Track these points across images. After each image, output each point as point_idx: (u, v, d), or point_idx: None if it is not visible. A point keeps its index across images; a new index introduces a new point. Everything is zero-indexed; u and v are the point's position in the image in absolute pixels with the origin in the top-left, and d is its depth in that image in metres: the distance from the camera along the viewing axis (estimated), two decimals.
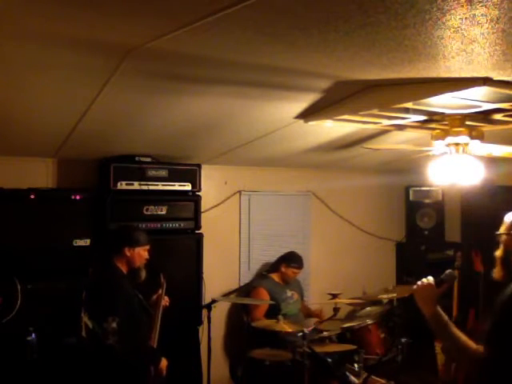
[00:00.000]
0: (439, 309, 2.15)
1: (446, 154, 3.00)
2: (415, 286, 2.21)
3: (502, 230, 2.15)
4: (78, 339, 3.10)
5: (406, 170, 5.38)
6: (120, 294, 2.98)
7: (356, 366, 3.81)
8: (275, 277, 4.61)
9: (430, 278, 2.21)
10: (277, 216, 5.07)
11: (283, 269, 4.60)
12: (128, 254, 3.12)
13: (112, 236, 3.33)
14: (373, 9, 1.58)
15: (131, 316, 2.95)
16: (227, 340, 4.78)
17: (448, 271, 2.27)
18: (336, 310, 4.15)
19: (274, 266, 4.72)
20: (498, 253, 2.13)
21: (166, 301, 3.40)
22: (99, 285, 3.07)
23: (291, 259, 4.64)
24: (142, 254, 3.18)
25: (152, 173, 3.91)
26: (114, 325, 2.78)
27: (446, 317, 2.14)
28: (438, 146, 3.03)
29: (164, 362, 3.11)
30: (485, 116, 2.93)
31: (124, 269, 3.14)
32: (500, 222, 2.19)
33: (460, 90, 2.32)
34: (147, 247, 3.22)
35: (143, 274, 3.21)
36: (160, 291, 3.38)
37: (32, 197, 3.47)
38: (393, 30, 1.75)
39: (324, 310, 4.66)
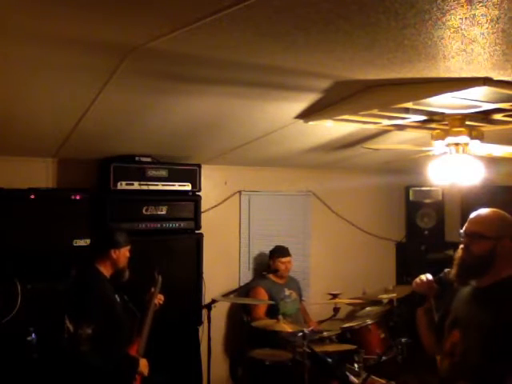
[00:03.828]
0: (432, 303, 2.22)
1: (445, 154, 3.00)
2: (414, 284, 2.26)
3: (483, 231, 2.07)
4: (60, 341, 3.04)
5: (406, 170, 5.38)
6: (98, 299, 2.93)
7: (356, 365, 3.81)
8: (273, 277, 4.61)
9: (429, 276, 2.25)
10: (277, 216, 5.07)
11: (272, 264, 4.63)
12: (114, 256, 3.10)
13: (96, 239, 3.29)
14: (373, 9, 1.58)
15: (109, 322, 2.90)
16: (227, 340, 4.78)
17: (446, 270, 2.30)
18: (336, 309, 4.15)
19: (269, 267, 4.72)
20: (468, 253, 2.08)
21: (159, 299, 3.36)
22: (78, 289, 3.03)
23: (274, 251, 4.67)
24: (126, 254, 3.17)
25: (152, 173, 3.91)
26: (89, 331, 2.75)
27: (435, 315, 2.21)
28: (438, 146, 3.03)
29: (143, 363, 3.05)
30: (485, 116, 2.93)
31: (107, 271, 3.10)
32: None
33: (460, 89, 2.32)
34: (129, 247, 3.21)
35: (127, 274, 3.19)
36: (152, 289, 3.34)
37: (32, 197, 3.47)
38: (393, 30, 1.75)
39: (324, 310, 4.65)
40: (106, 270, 3.10)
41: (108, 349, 2.88)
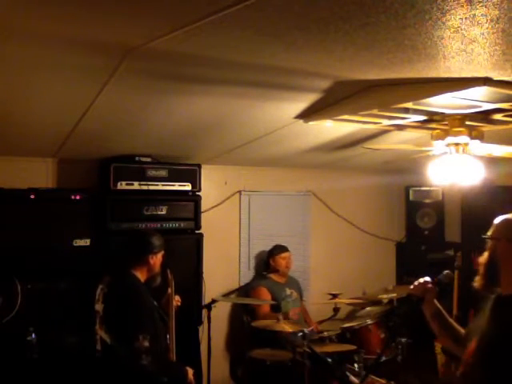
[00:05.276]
0: (439, 306, 2.15)
1: (445, 154, 3.00)
2: (412, 286, 2.22)
3: (490, 233, 1.99)
4: (91, 352, 2.94)
5: (405, 170, 5.38)
6: (145, 308, 2.84)
7: (356, 365, 3.81)
8: (273, 276, 4.61)
9: (426, 278, 2.21)
10: (277, 216, 5.07)
11: (273, 263, 4.64)
12: (151, 261, 3.03)
13: (133, 244, 3.15)
14: (373, 9, 1.58)
15: (156, 331, 2.81)
16: (227, 340, 4.78)
17: (445, 272, 2.27)
18: (336, 309, 4.15)
19: (268, 267, 4.72)
20: (482, 259, 1.98)
21: (177, 300, 3.30)
22: (122, 299, 2.88)
23: (273, 249, 4.69)
24: (160, 259, 3.12)
25: (152, 173, 3.91)
26: (147, 343, 2.64)
27: (446, 314, 2.14)
28: (438, 146, 3.03)
29: (190, 372, 3.00)
30: (485, 116, 2.93)
31: (143, 277, 3.02)
32: None
33: (460, 89, 2.32)
34: (163, 251, 3.15)
35: (159, 279, 3.12)
36: (169, 290, 3.25)
37: (32, 197, 3.47)
38: (393, 30, 1.75)
39: (324, 310, 4.65)
40: (141, 276, 3.02)
41: (163, 360, 2.80)
